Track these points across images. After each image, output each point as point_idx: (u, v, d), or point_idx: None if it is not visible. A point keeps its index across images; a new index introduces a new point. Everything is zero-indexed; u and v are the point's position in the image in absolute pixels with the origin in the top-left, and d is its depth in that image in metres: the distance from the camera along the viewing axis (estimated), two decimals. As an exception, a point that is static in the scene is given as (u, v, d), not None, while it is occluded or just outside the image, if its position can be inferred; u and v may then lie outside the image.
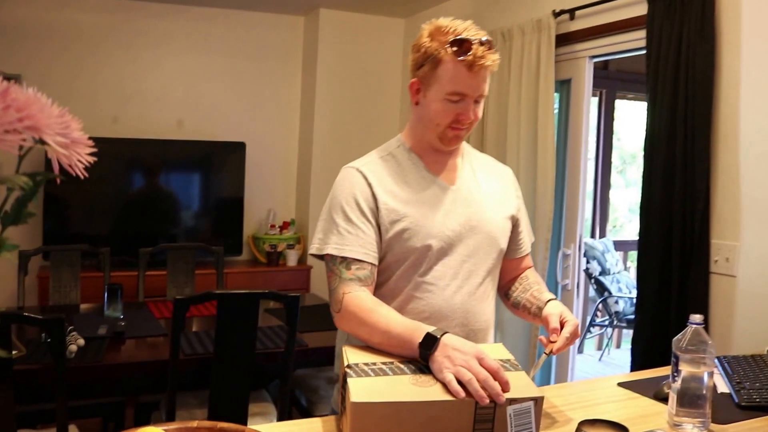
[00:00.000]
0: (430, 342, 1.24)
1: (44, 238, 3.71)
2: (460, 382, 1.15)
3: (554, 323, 1.42)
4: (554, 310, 1.47)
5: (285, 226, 4.31)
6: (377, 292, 1.49)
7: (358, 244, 1.44)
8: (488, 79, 1.45)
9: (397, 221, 1.45)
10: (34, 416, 2.41)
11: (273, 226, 4.29)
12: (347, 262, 1.43)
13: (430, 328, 1.27)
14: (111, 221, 3.95)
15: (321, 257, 1.49)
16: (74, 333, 2.35)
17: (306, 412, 2.68)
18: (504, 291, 1.69)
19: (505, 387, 1.15)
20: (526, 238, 1.68)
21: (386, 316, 1.35)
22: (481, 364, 1.17)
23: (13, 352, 1.82)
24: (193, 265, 3.38)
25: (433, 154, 1.54)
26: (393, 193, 1.48)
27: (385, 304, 1.41)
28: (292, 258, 4.18)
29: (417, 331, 1.28)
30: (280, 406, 2.29)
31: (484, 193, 1.56)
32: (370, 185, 1.47)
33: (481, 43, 1.40)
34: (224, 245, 3.64)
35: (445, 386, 1.15)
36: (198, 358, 2.31)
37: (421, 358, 1.25)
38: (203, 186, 4.22)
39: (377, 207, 1.46)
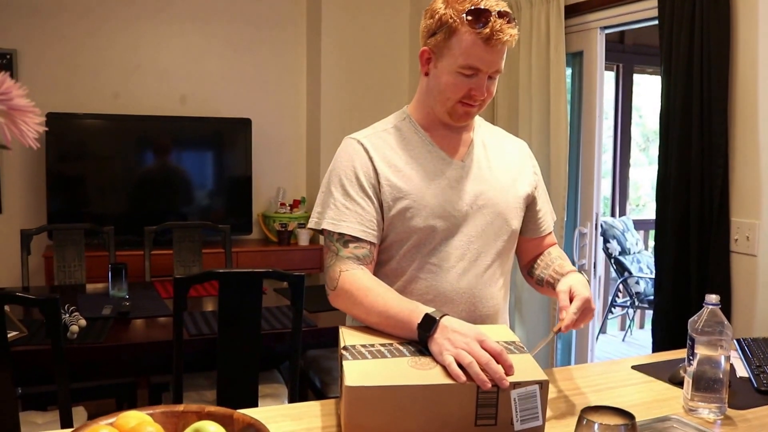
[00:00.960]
0: (429, 323, 1.19)
1: (49, 217, 3.69)
2: (461, 366, 1.09)
3: (563, 301, 1.34)
4: (564, 286, 1.38)
5: (295, 204, 4.27)
6: (379, 271, 1.43)
7: (356, 220, 1.37)
8: (505, 55, 1.36)
9: (400, 198, 1.39)
10: (42, 398, 2.40)
11: (283, 204, 4.24)
12: (345, 239, 1.37)
13: (429, 309, 1.22)
14: (118, 200, 3.92)
15: (321, 231, 1.44)
16: (76, 313, 2.33)
17: (320, 393, 2.65)
18: (527, 269, 1.62)
19: (508, 370, 1.10)
20: (547, 216, 1.59)
21: (383, 296, 1.30)
22: (482, 347, 1.12)
23: (12, 333, 1.79)
24: (200, 244, 3.35)
25: (442, 128, 1.46)
26: (396, 169, 1.40)
27: (383, 283, 1.35)
28: (303, 237, 4.14)
29: (415, 312, 1.23)
30: (290, 387, 2.26)
31: (496, 171, 1.47)
32: (371, 159, 1.40)
33: (500, 15, 1.31)
34: (233, 224, 3.61)
35: (446, 369, 1.11)
36: (204, 339, 2.28)
37: (419, 339, 1.20)
38: (209, 164, 4.18)
39: (378, 182, 1.39)
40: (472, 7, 1.31)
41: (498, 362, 1.10)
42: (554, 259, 1.55)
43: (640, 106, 5.52)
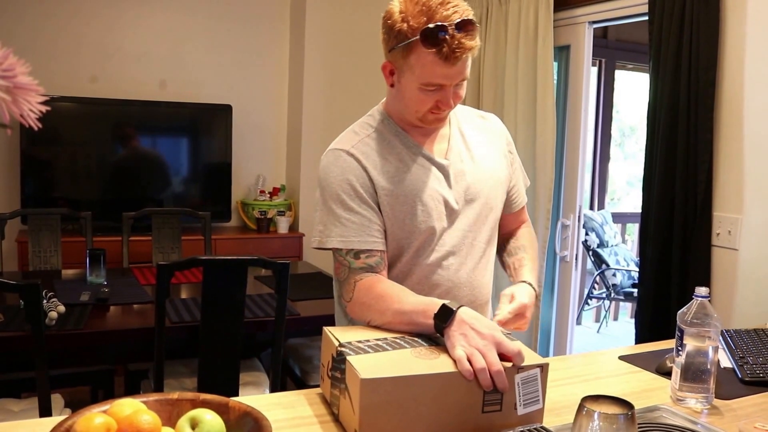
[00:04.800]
0: (446, 314, 1.17)
1: (23, 201, 3.61)
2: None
3: (502, 302, 1.38)
4: (507, 291, 1.41)
5: (275, 192, 4.24)
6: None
7: (364, 233, 1.35)
8: (469, 62, 1.30)
9: (397, 205, 1.37)
10: (17, 385, 2.35)
11: (262, 192, 4.21)
12: (354, 252, 1.35)
13: (445, 301, 1.21)
14: (94, 185, 3.84)
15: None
16: (54, 299, 2.29)
17: (300, 382, 2.65)
18: (498, 244, 1.62)
19: (518, 363, 1.11)
20: (521, 190, 1.60)
21: (398, 295, 1.29)
22: (499, 350, 1.10)
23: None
24: (179, 231, 3.31)
25: (419, 127, 1.43)
26: (389, 175, 1.38)
27: (397, 284, 1.35)
28: (282, 225, 4.11)
29: (431, 305, 1.21)
30: (272, 376, 2.25)
31: (477, 160, 1.46)
32: (364, 168, 1.37)
33: (459, 27, 1.23)
34: (212, 211, 3.56)
35: (451, 358, 1.11)
36: (185, 326, 2.25)
37: (435, 330, 1.19)
38: (189, 150, 4.12)
39: (375, 191, 1.37)
40: (429, 26, 1.23)
41: (514, 360, 1.10)
42: (519, 248, 1.57)
43: (616, 102, 5.60)
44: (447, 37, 1.23)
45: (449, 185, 1.42)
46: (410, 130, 1.43)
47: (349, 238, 1.35)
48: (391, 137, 1.42)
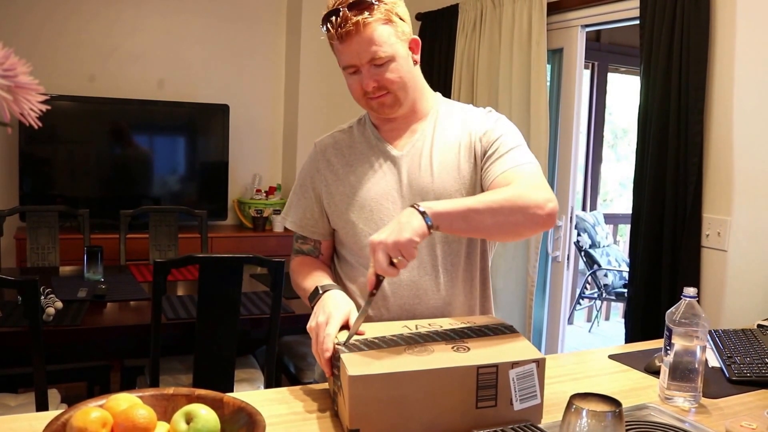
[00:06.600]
0: (314, 294, 1.33)
1: (21, 198, 3.64)
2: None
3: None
4: None
5: (271, 191, 4.26)
6: (336, 265, 1.52)
7: (297, 217, 1.50)
8: (378, 39, 1.30)
9: (336, 198, 1.44)
10: (14, 380, 2.37)
11: (259, 190, 4.23)
12: (296, 235, 1.53)
13: (325, 283, 1.34)
14: (92, 183, 3.87)
15: None
16: (52, 295, 2.30)
17: (294, 379, 2.66)
18: None
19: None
20: (497, 163, 1.36)
21: (305, 274, 1.42)
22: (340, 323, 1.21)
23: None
24: (176, 229, 3.33)
25: (389, 121, 1.43)
26: (334, 169, 1.46)
27: (317, 266, 1.46)
28: (278, 224, 4.13)
29: (314, 286, 1.35)
30: (267, 373, 2.27)
31: (435, 155, 1.40)
32: (317, 161, 1.49)
33: (351, 7, 1.29)
34: (209, 209, 3.58)
35: (444, 354, 1.11)
36: (181, 323, 2.27)
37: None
38: (186, 149, 4.15)
39: (321, 185, 1.47)
40: (324, 14, 1.34)
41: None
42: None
43: (609, 104, 5.63)
44: (334, 17, 1.31)
45: (396, 179, 1.41)
46: (381, 125, 1.46)
47: (286, 217, 1.53)
48: (357, 133, 1.48)
